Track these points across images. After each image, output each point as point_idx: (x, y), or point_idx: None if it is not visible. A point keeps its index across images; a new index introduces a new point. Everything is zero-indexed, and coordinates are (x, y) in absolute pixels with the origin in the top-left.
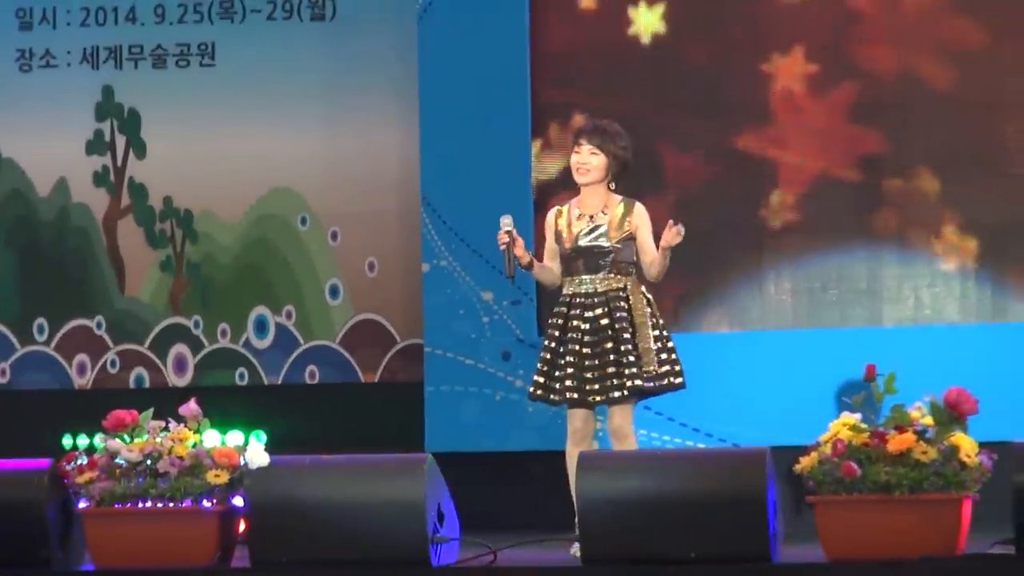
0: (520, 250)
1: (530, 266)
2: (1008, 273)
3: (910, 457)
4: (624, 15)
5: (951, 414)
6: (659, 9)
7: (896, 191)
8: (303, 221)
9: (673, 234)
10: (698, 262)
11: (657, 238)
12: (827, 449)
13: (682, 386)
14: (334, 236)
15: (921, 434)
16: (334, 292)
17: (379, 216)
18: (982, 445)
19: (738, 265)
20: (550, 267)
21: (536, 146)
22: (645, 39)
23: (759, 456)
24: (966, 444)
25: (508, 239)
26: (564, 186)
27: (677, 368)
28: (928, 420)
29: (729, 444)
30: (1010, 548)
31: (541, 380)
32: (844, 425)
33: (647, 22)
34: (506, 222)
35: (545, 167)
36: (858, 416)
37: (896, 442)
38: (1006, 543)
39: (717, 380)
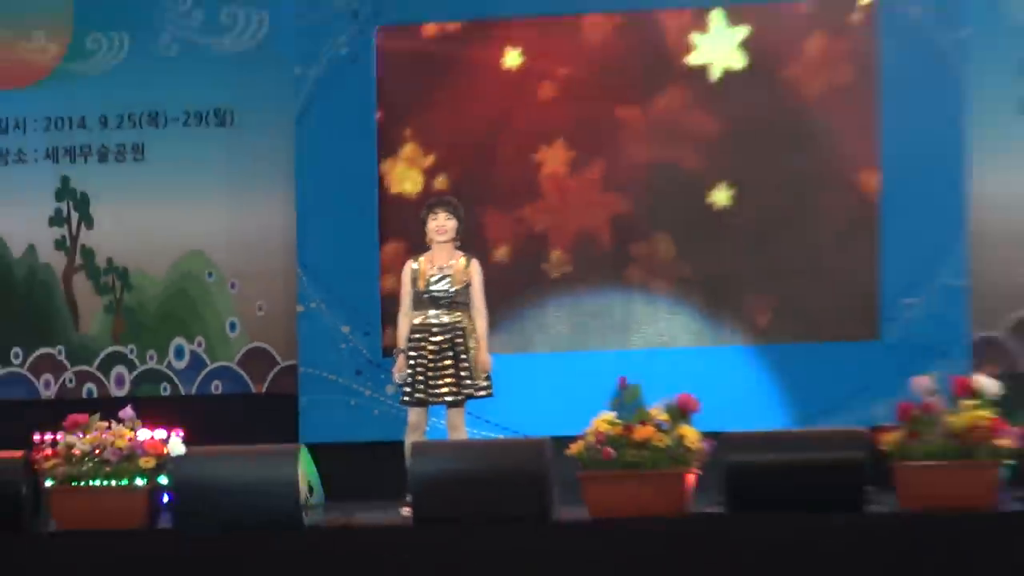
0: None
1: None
2: (722, 311)
3: (650, 443)
4: None
5: (680, 412)
6: None
7: (643, 252)
8: (210, 275)
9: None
10: (500, 304)
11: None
12: (591, 438)
13: (491, 394)
14: (233, 286)
15: (658, 427)
16: (232, 327)
17: (266, 271)
18: (703, 434)
19: (529, 306)
20: (404, 331)
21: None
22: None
23: (541, 443)
24: (691, 434)
25: (399, 376)
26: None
27: (489, 382)
28: (664, 416)
29: (522, 435)
30: (721, 508)
31: (406, 388)
32: (604, 421)
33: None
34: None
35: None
36: (614, 414)
37: (640, 432)
38: (719, 504)
39: (515, 389)
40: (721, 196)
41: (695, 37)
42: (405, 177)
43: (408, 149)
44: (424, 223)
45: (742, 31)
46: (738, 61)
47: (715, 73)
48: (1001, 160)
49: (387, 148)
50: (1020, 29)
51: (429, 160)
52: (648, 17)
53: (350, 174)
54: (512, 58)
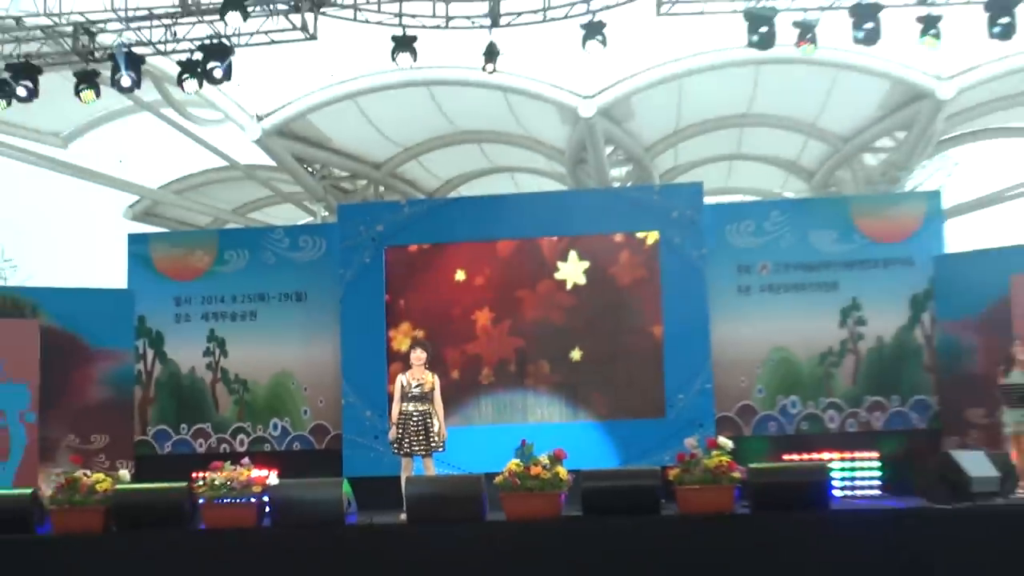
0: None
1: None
2: (578, 404)
3: (539, 476)
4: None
5: (556, 459)
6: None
7: (533, 370)
8: (292, 383)
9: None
10: (453, 399)
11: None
12: (506, 473)
13: (445, 450)
14: (305, 389)
15: (544, 467)
16: (305, 412)
17: (325, 381)
18: (569, 471)
19: (470, 400)
20: (395, 415)
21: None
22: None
23: (478, 477)
24: (562, 471)
25: (391, 438)
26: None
27: (443, 443)
28: (546, 461)
29: (467, 472)
30: (580, 512)
31: (395, 445)
32: (513, 464)
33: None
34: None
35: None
36: (519, 460)
37: (533, 470)
38: (578, 510)
39: (462, 446)
40: (576, 354)
41: (560, 263)
42: (402, 342)
43: (404, 326)
44: (408, 354)
45: (585, 264)
46: (582, 280)
47: (569, 285)
48: (727, 321)
49: (392, 320)
50: (735, 248)
51: (416, 331)
52: (533, 242)
53: (371, 331)
54: (459, 275)
